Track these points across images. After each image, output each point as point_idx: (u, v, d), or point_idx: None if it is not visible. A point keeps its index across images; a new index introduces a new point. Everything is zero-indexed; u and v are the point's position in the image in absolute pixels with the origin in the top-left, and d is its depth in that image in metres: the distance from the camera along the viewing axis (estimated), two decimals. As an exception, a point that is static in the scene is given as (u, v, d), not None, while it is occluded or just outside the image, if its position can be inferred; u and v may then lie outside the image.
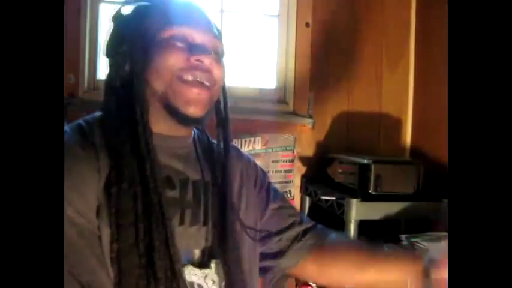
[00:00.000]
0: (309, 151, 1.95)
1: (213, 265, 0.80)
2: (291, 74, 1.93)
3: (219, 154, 0.88)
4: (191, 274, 0.77)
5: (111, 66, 0.81)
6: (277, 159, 1.90)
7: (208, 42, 0.80)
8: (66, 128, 0.79)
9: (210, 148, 0.91)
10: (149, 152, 0.73)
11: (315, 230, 1.00)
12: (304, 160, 1.94)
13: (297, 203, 1.93)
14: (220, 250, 0.81)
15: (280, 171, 1.91)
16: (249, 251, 0.88)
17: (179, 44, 0.77)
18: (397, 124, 2.00)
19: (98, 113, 0.83)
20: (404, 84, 2.00)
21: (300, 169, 1.94)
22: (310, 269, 0.96)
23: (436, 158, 1.72)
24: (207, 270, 0.79)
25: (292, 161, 1.92)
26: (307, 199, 1.89)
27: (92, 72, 1.81)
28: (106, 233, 0.70)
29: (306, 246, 0.96)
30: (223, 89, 0.88)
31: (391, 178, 1.50)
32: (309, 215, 1.89)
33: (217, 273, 0.81)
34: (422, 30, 1.95)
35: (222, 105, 0.89)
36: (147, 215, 0.71)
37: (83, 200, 0.71)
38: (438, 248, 1.12)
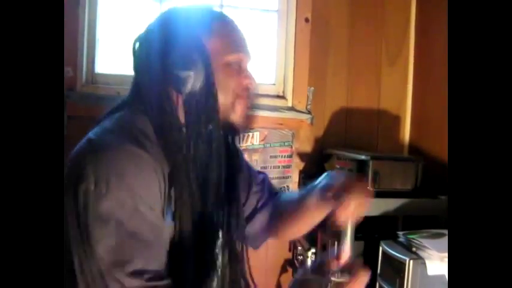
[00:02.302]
0: (307, 147, 1.95)
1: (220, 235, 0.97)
2: (290, 70, 1.93)
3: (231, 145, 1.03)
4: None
5: (183, 80, 0.87)
6: (275, 154, 1.90)
7: (249, 62, 0.96)
8: (115, 128, 0.86)
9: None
10: (220, 155, 0.91)
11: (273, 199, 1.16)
12: (302, 156, 1.94)
13: (294, 199, 1.93)
14: (229, 225, 0.97)
15: (278, 166, 1.91)
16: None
17: (235, 68, 0.92)
18: (395, 120, 2.00)
19: (126, 114, 0.90)
20: (403, 81, 2.00)
21: (298, 165, 1.94)
22: (270, 230, 1.13)
23: (434, 155, 1.72)
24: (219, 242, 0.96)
25: (290, 156, 1.92)
26: (305, 195, 1.89)
27: (90, 66, 1.80)
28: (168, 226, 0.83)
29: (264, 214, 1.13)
30: None
31: (389, 174, 1.51)
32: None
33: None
34: (421, 27, 1.95)
35: None
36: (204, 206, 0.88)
37: (154, 195, 0.81)
38: (436, 245, 1.12)
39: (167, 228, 0.83)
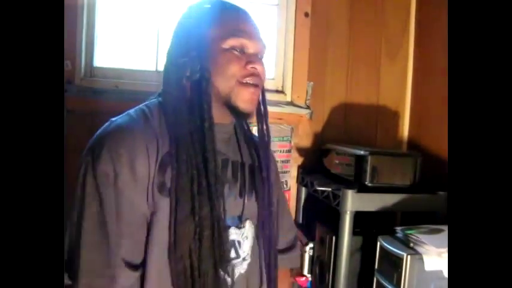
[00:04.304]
0: (306, 142, 1.95)
1: (247, 224, 1.02)
2: (290, 64, 1.93)
3: (261, 139, 1.07)
4: (233, 234, 0.98)
5: (179, 64, 0.94)
6: (274, 149, 1.90)
7: (259, 50, 0.99)
8: (132, 112, 0.94)
9: (250, 134, 1.11)
10: (213, 145, 0.91)
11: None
12: (301, 151, 1.94)
13: (293, 194, 1.93)
14: (255, 214, 1.04)
15: (277, 161, 1.91)
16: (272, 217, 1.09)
17: (238, 53, 0.94)
18: (394, 116, 2.00)
19: (154, 100, 0.99)
20: (403, 76, 2.00)
21: (296, 159, 1.94)
22: None
23: (433, 151, 1.72)
24: (242, 230, 1.01)
25: (289, 151, 1.92)
26: (303, 190, 1.90)
27: (88, 59, 1.80)
28: (163, 206, 0.87)
29: None
30: (262, 86, 1.05)
31: (387, 170, 1.51)
32: (304, 205, 1.90)
33: (250, 230, 1.03)
34: (421, 22, 1.94)
35: (261, 100, 1.06)
36: (201, 193, 0.88)
37: (139, 181, 0.86)
38: (434, 241, 1.12)
39: (161, 205, 0.87)
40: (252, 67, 0.95)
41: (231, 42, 0.94)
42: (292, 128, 1.92)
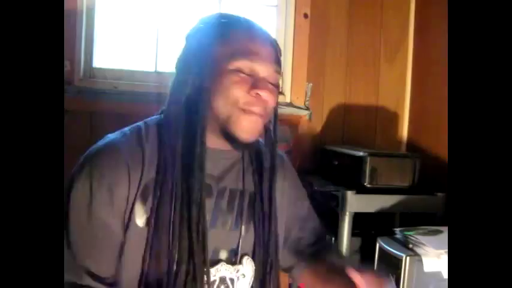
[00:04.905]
0: (305, 143, 1.95)
1: (244, 261, 0.92)
2: (289, 65, 1.92)
3: (267, 168, 0.96)
4: (224, 269, 0.89)
5: (180, 81, 0.88)
6: (273, 150, 1.90)
7: (269, 75, 0.87)
8: (127, 130, 0.89)
9: (259, 160, 0.98)
10: (201, 171, 0.84)
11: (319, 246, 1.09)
12: (300, 152, 1.94)
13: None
14: (255, 251, 0.93)
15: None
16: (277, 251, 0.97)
17: (243, 76, 0.85)
18: (393, 117, 2.00)
19: (155, 117, 0.93)
20: (402, 78, 2.00)
21: (295, 160, 1.94)
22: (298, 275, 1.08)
23: (432, 152, 1.72)
24: (238, 266, 0.91)
25: (288, 152, 1.92)
26: (303, 191, 1.89)
27: (88, 60, 1.79)
28: (140, 234, 0.82)
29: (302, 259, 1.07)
30: (275, 112, 0.95)
31: (386, 171, 1.51)
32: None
33: (249, 268, 0.93)
34: (420, 24, 1.94)
35: (272, 127, 0.97)
36: (182, 224, 0.82)
37: (115, 203, 0.82)
38: (433, 242, 1.12)
39: (136, 232, 0.82)
40: (256, 93, 0.85)
41: (238, 64, 0.84)
42: (291, 129, 1.92)
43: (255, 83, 0.85)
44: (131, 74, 1.82)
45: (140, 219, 0.82)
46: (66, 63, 1.71)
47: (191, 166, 0.83)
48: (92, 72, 1.80)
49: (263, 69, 0.86)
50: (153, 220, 0.82)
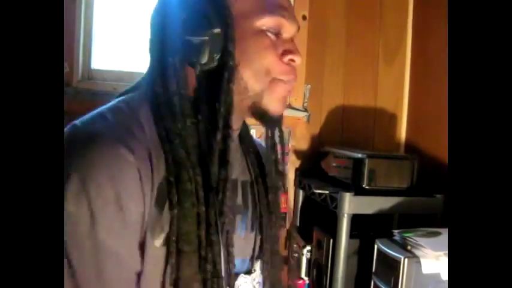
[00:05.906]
0: (304, 144, 1.95)
1: (257, 267, 0.81)
2: (287, 67, 1.92)
3: (270, 148, 0.83)
4: (243, 283, 0.77)
5: (194, 49, 0.65)
6: (272, 152, 1.90)
7: (293, 35, 0.72)
8: (106, 111, 0.68)
9: (254, 145, 0.86)
10: (226, 168, 0.65)
11: None
12: (298, 153, 1.94)
13: (290, 197, 1.93)
14: (266, 253, 0.81)
15: (275, 164, 1.91)
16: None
17: (273, 38, 0.68)
18: (392, 119, 2.00)
19: (133, 95, 0.72)
20: (400, 79, 2.00)
21: (294, 162, 1.94)
22: None
23: (430, 154, 1.72)
24: (254, 275, 0.79)
25: (286, 154, 1.92)
26: (301, 192, 1.89)
27: (86, 62, 1.79)
28: (156, 258, 0.63)
29: None
30: None
31: (385, 173, 1.51)
32: (302, 208, 1.90)
33: (261, 274, 0.82)
34: (419, 26, 1.95)
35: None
36: (210, 240, 0.63)
37: (128, 224, 0.61)
38: (432, 244, 1.13)
39: (154, 255, 0.63)
40: (290, 59, 0.70)
41: (265, 21, 0.67)
42: (289, 131, 1.92)
43: (285, 46, 0.70)
44: (130, 75, 1.81)
45: (158, 237, 0.63)
46: (65, 64, 1.71)
47: (212, 158, 0.64)
48: (90, 74, 1.80)
49: (291, 29, 0.70)
50: (175, 237, 0.62)
